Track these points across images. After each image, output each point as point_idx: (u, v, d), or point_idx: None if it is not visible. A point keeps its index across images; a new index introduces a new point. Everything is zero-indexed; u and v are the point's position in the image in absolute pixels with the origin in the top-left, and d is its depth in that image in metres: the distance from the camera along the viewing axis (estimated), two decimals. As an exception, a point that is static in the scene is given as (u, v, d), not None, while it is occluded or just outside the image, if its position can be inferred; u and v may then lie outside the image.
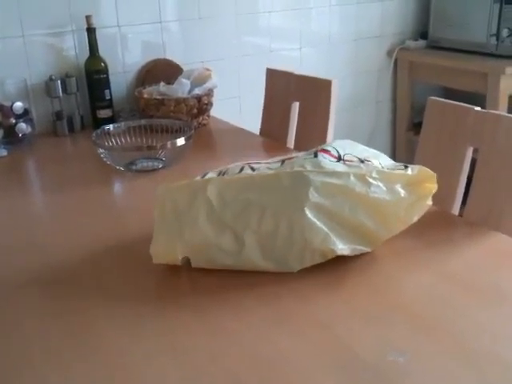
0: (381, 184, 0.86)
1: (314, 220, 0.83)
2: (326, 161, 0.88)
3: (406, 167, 0.90)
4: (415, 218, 0.89)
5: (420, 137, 1.26)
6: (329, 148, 0.92)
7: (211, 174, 0.92)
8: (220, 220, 0.84)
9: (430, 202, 0.90)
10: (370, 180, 0.85)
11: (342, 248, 0.85)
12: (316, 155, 0.90)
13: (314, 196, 0.83)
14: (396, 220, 0.88)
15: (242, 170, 0.91)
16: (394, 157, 2.63)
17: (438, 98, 1.23)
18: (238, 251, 0.85)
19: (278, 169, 0.89)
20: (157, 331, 0.75)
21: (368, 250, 0.89)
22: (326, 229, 0.83)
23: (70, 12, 1.71)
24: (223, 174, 0.90)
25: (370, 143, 2.51)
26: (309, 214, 0.83)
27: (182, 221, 0.86)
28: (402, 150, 2.62)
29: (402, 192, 0.87)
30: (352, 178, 0.85)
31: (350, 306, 0.79)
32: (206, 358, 0.70)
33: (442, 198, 0.97)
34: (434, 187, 0.89)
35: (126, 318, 0.78)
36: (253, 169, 0.90)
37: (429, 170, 0.89)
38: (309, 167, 0.86)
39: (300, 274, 0.85)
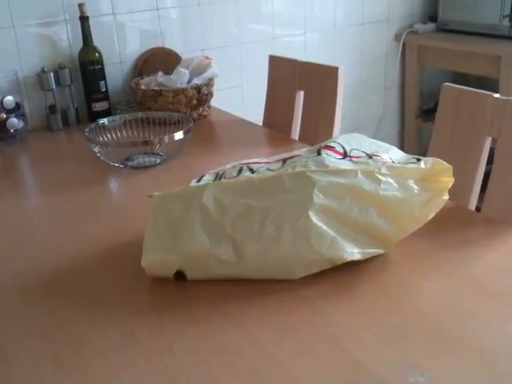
0: (392, 180, 0.78)
1: (320, 224, 0.75)
2: (331, 158, 0.81)
3: (419, 160, 0.83)
4: (431, 216, 0.81)
5: (434, 126, 1.18)
6: (333, 144, 0.85)
7: (208, 177, 0.86)
8: (217, 228, 0.77)
9: (446, 197, 0.82)
10: (380, 176, 0.78)
11: (353, 253, 0.77)
12: (319, 153, 0.82)
13: (319, 198, 0.76)
14: (410, 219, 0.80)
15: (240, 171, 0.84)
16: (402, 145, 2.55)
17: (452, 85, 1.15)
18: (237, 261, 0.77)
19: (278, 170, 0.82)
20: (153, 349, 0.69)
21: (381, 251, 0.81)
22: (333, 233, 0.76)
23: (63, 0, 1.63)
24: (220, 177, 0.83)
25: (377, 131, 2.44)
26: (314, 218, 0.75)
27: (177, 231, 0.79)
28: (411, 138, 2.53)
29: (416, 188, 0.79)
30: (360, 175, 0.78)
31: (363, 316, 0.72)
32: (207, 377, 0.63)
33: (457, 191, 0.90)
34: (450, 181, 0.81)
35: (120, 336, 0.71)
36: (252, 170, 0.83)
37: (444, 162, 0.81)
38: (312, 167, 0.79)
39: (307, 280, 0.78)
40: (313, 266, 0.78)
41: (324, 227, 0.76)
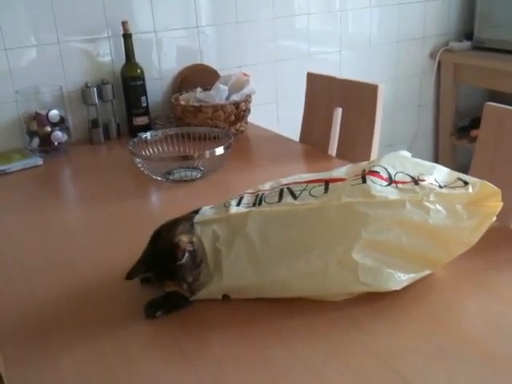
0: (440, 207, 0.77)
1: (367, 258, 0.75)
2: (377, 186, 0.79)
3: (466, 184, 0.81)
4: (477, 238, 0.81)
5: (476, 145, 1.18)
6: (377, 169, 0.83)
7: (247, 199, 0.85)
8: (262, 260, 0.77)
9: (493, 219, 0.81)
10: (428, 204, 0.77)
11: (400, 281, 0.77)
12: (364, 180, 0.81)
13: (366, 233, 0.75)
14: (458, 244, 0.80)
15: (281, 195, 0.83)
16: (436, 162, 2.52)
17: (495, 104, 1.14)
18: (282, 290, 0.78)
19: (322, 197, 0.80)
20: (201, 362, 0.70)
21: (428, 273, 0.81)
22: (380, 264, 0.76)
23: (106, 18, 1.68)
24: (260, 201, 0.83)
25: (411, 149, 2.42)
26: (361, 253, 0.75)
27: (222, 261, 0.79)
28: (446, 155, 2.51)
29: (465, 214, 0.78)
30: (408, 205, 0.76)
31: (410, 336, 0.72)
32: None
33: (500, 211, 0.89)
34: (498, 205, 0.80)
35: (169, 351, 0.73)
36: (293, 195, 0.82)
37: (491, 185, 0.80)
38: (358, 197, 0.77)
39: (353, 299, 0.78)
40: (357, 292, 0.78)
41: (371, 261, 0.75)
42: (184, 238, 0.78)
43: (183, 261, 0.76)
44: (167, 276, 0.78)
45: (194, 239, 0.79)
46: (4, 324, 0.80)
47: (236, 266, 0.78)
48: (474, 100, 2.45)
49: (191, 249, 0.78)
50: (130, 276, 0.79)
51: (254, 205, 0.83)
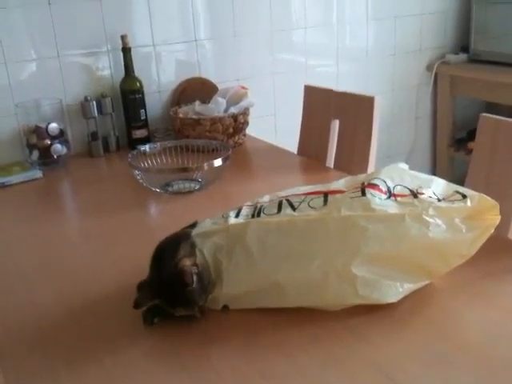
0: (439, 221, 0.77)
1: (366, 272, 0.76)
2: (376, 199, 0.80)
3: (464, 197, 0.82)
4: (475, 250, 0.81)
5: (471, 156, 1.19)
6: (376, 182, 0.84)
7: (246, 211, 0.86)
8: (261, 270, 0.78)
9: (491, 231, 0.82)
10: (427, 218, 0.77)
11: (398, 293, 0.78)
12: (364, 193, 0.81)
13: (366, 247, 0.76)
14: (457, 256, 0.80)
15: (280, 207, 0.83)
16: (434, 174, 2.53)
17: (490, 115, 1.16)
18: (280, 300, 0.79)
19: (321, 209, 0.81)
20: (199, 372, 0.70)
21: (426, 282, 0.82)
22: (379, 277, 0.76)
23: (105, 32, 1.70)
24: (259, 212, 0.83)
25: (408, 161, 2.44)
26: (360, 267, 0.76)
27: (222, 271, 0.79)
28: (443, 167, 2.53)
29: (463, 228, 0.78)
30: (407, 219, 0.77)
31: (408, 345, 0.72)
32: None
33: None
34: (496, 218, 0.80)
35: (168, 360, 0.73)
36: (292, 206, 0.83)
37: (489, 198, 0.81)
38: (358, 210, 0.78)
39: (352, 309, 0.78)
40: (355, 303, 0.78)
41: (370, 274, 0.76)
42: (187, 262, 0.77)
43: (194, 285, 0.76)
44: (178, 302, 0.77)
45: (198, 261, 0.79)
46: (3, 335, 0.81)
47: (235, 276, 0.78)
48: (470, 112, 2.47)
49: (196, 271, 0.77)
50: (137, 305, 0.77)
51: (252, 216, 0.83)
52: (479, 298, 0.82)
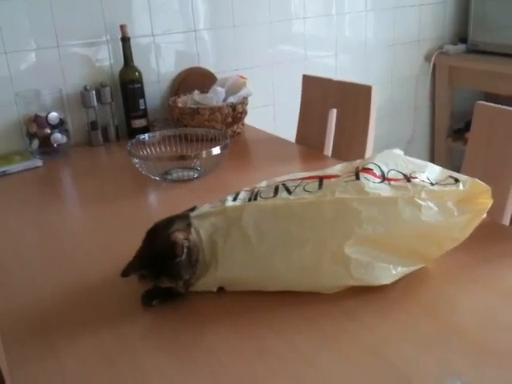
0: (431, 204, 0.79)
1: (359, 254, 0.77)
2: (370, 183, 0.81)
3: (457, 181, 0.83)
4: (468, 234, 0.83)
5: (467, 144, 1.20)
6: (371, 166, 0.85)
7: (243, 195, 0.87)
8: (257, 254, 0.79)
9: (483, 215, 0.83)
10: (420, 201, 0.78)
11: (391, 275, 0.79)
12: (358, 177, 0.83)
13: (359, 229, 0.77)
14: (450, 240, 0.82)
15: (276, 191, 0.85)
16: (432, 165, 2.55)
17: (486, 103, 1.17)
18: (275, 283, 0.80)
19: (316, 192, 0.82)
20: (197, 351, 0.72)
21: (419, 266, 0.83)
22: (372, 259, 0.78)
23: (105, 22, 1.70)
24: (256, 196, 0.85)
25: (407, 151, 2.44)
26: (353, 248, 0.77)
27: (218, 253, 0.81)
28: (441, 157, 2.53)
29: (455, 210, 0.79)
30: (400, 202, 0.78)
31: (402, 327, 0.74)
32: (252, 378, 0.66)
33: (491, 208, 0.91)
34: (489, 202, 0.82)
35: (166, 340, 0.75)
36: (288, 190, 0.84)
37: (482, 182, 0.82)
38: (352, 193, 0.79)
39: (346, 291, 0.80)
40: (349, 285, 0.80)
41: (363, 256, 0.77)
42: (180, 235, 0.79)
43: (183, 257, 0.78)
44: (163, 273, 0.79)
45: (190, 237, 0.81)
46: (6, 320, 0.82)
47: (231, 258, 0.80)
48: (469, 102, 2.46)
49: (187, 245, 0.79)
50: (125, 273, 0.80)
51: (249, 200, 0.85)
52: (473, 281, 0.83)
